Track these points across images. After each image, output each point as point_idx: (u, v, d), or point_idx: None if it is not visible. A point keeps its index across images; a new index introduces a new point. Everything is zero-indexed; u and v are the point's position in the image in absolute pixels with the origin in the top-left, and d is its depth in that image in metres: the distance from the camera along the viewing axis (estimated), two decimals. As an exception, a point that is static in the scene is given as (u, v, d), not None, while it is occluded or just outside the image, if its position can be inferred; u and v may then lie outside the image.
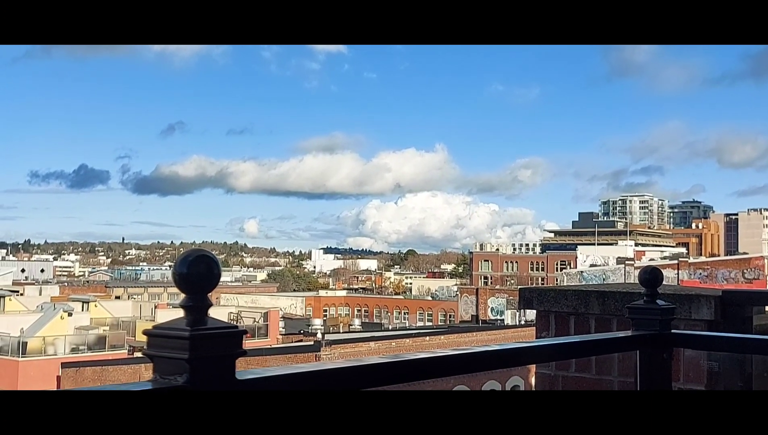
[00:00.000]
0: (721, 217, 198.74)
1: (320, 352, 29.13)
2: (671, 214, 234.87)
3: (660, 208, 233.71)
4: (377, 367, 1.78)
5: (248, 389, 1.42)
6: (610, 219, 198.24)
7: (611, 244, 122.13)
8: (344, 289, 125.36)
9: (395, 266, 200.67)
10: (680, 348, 3.08)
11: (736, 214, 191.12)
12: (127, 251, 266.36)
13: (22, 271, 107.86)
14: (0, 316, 43.37)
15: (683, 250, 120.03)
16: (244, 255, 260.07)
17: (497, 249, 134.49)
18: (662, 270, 3.16)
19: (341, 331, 57.59)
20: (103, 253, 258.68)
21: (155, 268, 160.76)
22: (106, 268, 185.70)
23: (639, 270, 2.70)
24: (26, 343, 37.27)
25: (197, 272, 1.36)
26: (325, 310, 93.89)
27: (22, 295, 59.07)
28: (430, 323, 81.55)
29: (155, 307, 52.11)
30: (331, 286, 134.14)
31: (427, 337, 35.90)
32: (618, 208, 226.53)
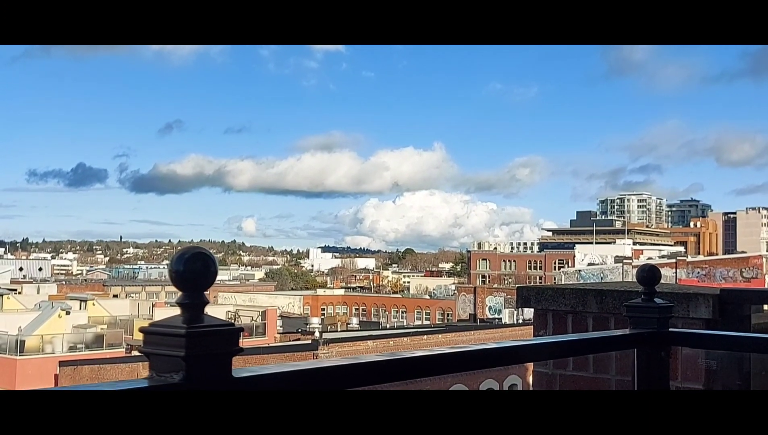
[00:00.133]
0: (719, 215, 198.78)
1: (318, 350, 29.13)
2: (669, 213, 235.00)
3: (658, 207, 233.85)
4: (374, 365, 1.77)
5: (245, 387, 1.42)
6: (608, 218, 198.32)
7: (609, 243, 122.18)
8: (342, 287, 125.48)
9: (393, 265, 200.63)
10: (678, 346, 3.08)
11: (735, 213, 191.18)
12: (124, 250, 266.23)
13: (20, 269, 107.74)
14: (-2, 315, 43.40)
15: (681, 248, 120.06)
16: (242, 253, 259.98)
17: (495, 248, 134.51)
18: (660, 269, 3.16)
19: (339, 329, 57.56)
20: (100, 252, 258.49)
21: (153, 266, 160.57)
22: (104, 266, 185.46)
23: (637, 268, 2.70)
24: (24, 341, 37.28)
25: (193, 269, 1.36)
26: (323, 309, 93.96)
27: (20, 293, 58.98)
28: (428, 322, 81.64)
29: (153, 305, 52.10)
30: (328, 285, 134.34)
31: (425, 336, 35.90)
32: (616, 207, 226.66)
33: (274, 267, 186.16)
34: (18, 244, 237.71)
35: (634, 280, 2.77)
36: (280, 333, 48.58)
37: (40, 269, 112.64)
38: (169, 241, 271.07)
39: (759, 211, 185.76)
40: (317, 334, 41.98)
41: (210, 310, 1.39)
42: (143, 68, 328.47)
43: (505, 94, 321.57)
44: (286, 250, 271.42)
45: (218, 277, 1.43)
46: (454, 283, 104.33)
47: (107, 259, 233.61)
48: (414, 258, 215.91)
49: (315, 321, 57.90)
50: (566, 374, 3.69)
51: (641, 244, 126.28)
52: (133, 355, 34.87)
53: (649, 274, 2.52)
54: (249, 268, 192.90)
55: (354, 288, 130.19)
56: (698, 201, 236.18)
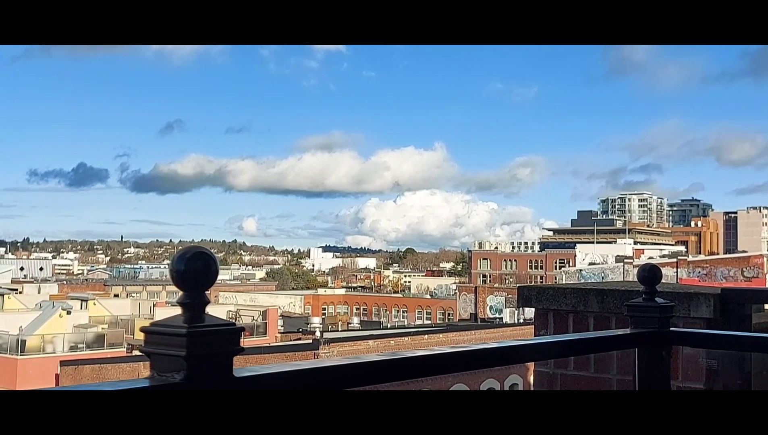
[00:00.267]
0: (720, 215, 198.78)
1: (319, 350, 29.14)
2: (670, 213, 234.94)
3: (659, 207, 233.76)
4: (375, 365, 1.77)
5: (246, 387, 1.42)
6: (609, 217, 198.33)
7: (610, 243, 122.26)
8: (343, 287, 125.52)
9: (394, 264, 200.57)
10: (679, 346, 3.07)
11: (735, 213, 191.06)
12: (125, 249, 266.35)
13: (21, 269, 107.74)
14: (-1, 314, 43.41)
15: (682, 248, 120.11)
16: (243, 253, 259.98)
17: (496, 247, 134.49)
18: (661, 268, 3.16)
19: (340, 329, 57.56)
20: (101, 252, 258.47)
21: (154, 266, 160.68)
22: (105, 266, 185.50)
23: (638, 268, 2.70)
24: (25, 341, 37.30)
25: (194, 269, 1.35)
26: (324, 309, 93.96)
27: (20, 293, 58.95)
28: (429, 321, 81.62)
29: (154, 305, 52.07)
30: (329, 285, 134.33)
31: (426, 336, 35.92)
32: (617, 207, 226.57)
33: (275, 267, 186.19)
34: (19, 244, 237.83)
35: (635, 279, 2.77)
36: (281, 333, 48.59)
37: (41, 269, 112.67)
38: (170, 240, 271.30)
39: (760, 211, 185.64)
40: (318, 333, 42.00)
41: (211, 310, 1.39)
42: (143, 68, 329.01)
43: (506, 94, 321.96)
44: (286, 249, 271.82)
45: (219, 277, 1.43)
46: (455, 283, 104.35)
47: (108, 258, 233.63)
48: (415, 257, 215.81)
49: (316, 320, 57.90)
50: (567, 374, 3.69)
51: (642, 243, 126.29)
52: (134, 354, 34.89)
53: (650, 274, 2.51)
54: (250, 267, 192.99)
55: (355, 288, 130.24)
56: (699, 200, 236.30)
